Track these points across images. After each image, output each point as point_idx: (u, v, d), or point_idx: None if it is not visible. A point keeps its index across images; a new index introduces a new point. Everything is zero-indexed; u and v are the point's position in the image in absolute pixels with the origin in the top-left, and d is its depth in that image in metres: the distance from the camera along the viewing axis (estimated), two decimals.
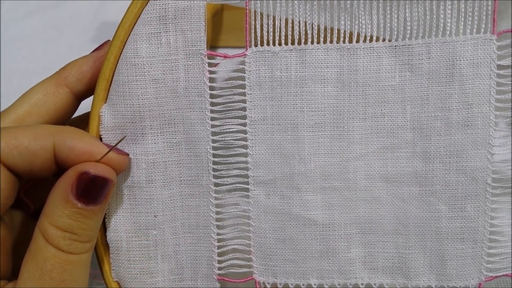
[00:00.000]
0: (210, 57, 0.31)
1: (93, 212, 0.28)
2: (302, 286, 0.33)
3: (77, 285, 0.28)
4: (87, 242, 0.29)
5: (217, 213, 0.33)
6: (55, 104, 0.32)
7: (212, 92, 0.32)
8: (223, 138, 0.32)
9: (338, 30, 0.31)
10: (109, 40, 0.31)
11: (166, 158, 0.32)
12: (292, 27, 0.31)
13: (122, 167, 0.31)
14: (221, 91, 0.32)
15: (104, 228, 0.32)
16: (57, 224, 0.28)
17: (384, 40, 0.31)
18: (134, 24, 0.31)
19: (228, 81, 0.32)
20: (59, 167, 0.30)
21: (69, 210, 0.28)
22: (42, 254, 0.28)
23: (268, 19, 0.31)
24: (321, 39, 0.31)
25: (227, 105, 0.32)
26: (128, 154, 0.31)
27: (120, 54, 0.31)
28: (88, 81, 0.32)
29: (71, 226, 0.28)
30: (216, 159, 0.32)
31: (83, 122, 0.33)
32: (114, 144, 0.30)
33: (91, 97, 0.32)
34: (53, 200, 0.28)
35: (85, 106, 0.34)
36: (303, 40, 0.31)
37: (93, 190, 0.28)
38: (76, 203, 0.28)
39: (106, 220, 0.32)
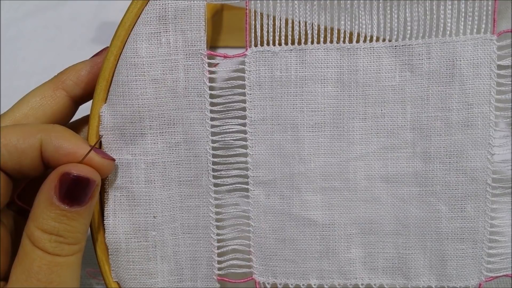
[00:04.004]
0: (210, 57, 0.31)
1: (78, 214, 0.28)
2: (302, 286, 0.33)
3: (65, 286, 0.28)
4: (74, 244, 0.28)
5: (217, 213, 0.33)
6: (52, 107, 0.32)
7: (212, 92, 0.32)
8: (223, 138, 0.32)
9: (338, 30, 0.31)
10: (108, 47, 0.31)
11: (166, 159, 0.32)
12: (292, 27, 0.31)
13: (106, 170, 0.30)
14: (221, 91, 0.32)
15: (103, 228, 0.32)
16: (42, 227, 0.27)
17: (384, 40, 0.31)
18: (134, 24, 0.31)
19: (228, 81, 0.32)
20: (46, 167, 0.30)
21: (53, 212, 0.27)
22: (29, 257, 0.27)
23: (268, 19, 0.31)
24: (321, 39, 0.31)
25: (227, 105, 0.32)
26: (114, 159, 0.31)
27: (120, 54, 0.31)
28: (86, 86, 0.32)
29: (57, 229, 0.28)
30: (215, 160, 0.32)
31: (84, 124, 0.33)
32: (101, 148, 0.30)
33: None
34: (38, 203, 0.28)
35: (86, 107, 0.34)
36: (303, 40, 0.31)
37: (76, 191, 0.28)
38: (59, 205, 0.27)
39: (105, 221, 0.32)
